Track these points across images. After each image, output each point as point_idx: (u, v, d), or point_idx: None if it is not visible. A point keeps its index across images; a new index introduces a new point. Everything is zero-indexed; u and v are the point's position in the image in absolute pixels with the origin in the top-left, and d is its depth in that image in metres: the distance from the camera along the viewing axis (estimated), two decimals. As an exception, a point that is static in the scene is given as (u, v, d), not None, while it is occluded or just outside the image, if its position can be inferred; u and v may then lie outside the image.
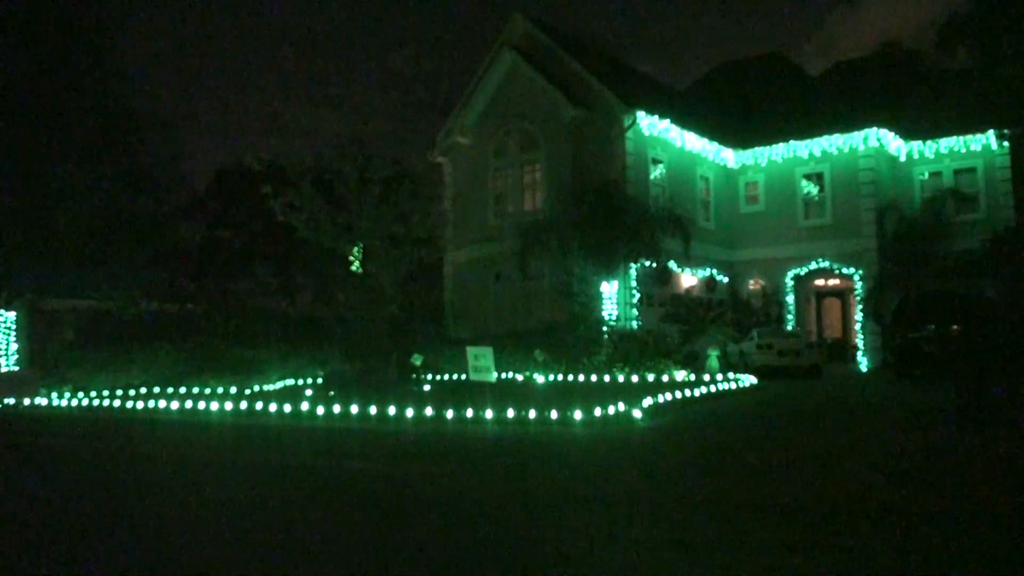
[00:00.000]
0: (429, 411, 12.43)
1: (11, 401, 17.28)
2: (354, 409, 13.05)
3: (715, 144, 26.96)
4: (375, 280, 17.82)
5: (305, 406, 13.71)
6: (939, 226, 25.07)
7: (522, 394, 15.05)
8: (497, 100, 26.24)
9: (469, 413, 12.02)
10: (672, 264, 24.11)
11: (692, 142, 26.05)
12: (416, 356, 17.41)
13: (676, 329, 22.97)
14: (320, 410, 13.32)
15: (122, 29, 23.58)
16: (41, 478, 8.38)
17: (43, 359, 20.42)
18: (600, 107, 24.13)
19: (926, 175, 27.16)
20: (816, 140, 26.41)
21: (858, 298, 25.92)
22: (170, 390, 18.45)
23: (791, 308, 27.23)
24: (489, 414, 11.79)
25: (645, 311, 23.63)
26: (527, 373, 20.09)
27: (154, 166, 23.69)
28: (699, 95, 32.03)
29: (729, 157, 27.86)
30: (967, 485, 6.70)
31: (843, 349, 27.36)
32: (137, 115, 23.34)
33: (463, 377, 17.10)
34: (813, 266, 26.72)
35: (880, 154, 26.14)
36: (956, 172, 26.49)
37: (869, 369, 24.78)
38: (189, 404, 14.94)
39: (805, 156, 26.78)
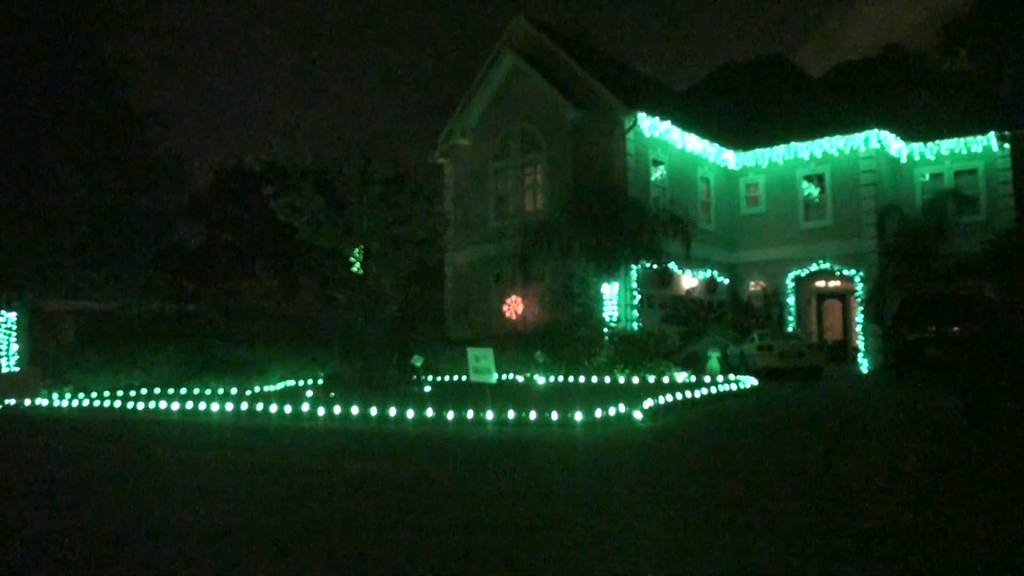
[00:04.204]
0: (429, 412, 12.42)
1: (12, 402, 17.27)
2: (354, 410, 13.04)
3: (716, 145, 26.97)
4: (376, 281, 17.80)
5: (305, 407, 13.70)
6: (940, 228, 25.06)
7: (523, 395, 15.04)
8: (498, 101, 26.25)
9: (470, 414, 12.01)
10: (673, 266, 24.11)
11: (693, 143, 26.06)
12: (416, 357, 17.41)
13: (677, 330, 22.96)
14: (320, 411, 13.31)
15: (123, 29, 23.58)
16: (41, 479, 8.38)
17: (43, 360, 20.41)
18: (601, 108, 24.14)
19: (927, 177, 27.17)
20: (817, 142, 26.42)
21: (859, 300, 25.93)
22: (171, 391, 18.44)
23: (792, 310, 27.23)
24: (490, 415, 11.78)
25: (646, 312, 23.63)
26: (528, 374, 20.08)
27: (155, 166, 23.71)
28: (700, 96, 32.03)
29: (730, 158, 27.86)
30: (969, 487, 6.68)
31: (844, 351, 27.35)
32: (138, 115, 23.37)
33: (463, 378, 17.10)
34: (814, 268, 26.72)
35: (881, 155, 26.14)
36: (957, 174, 26.50)
37: (870, 371, 24.77)
38: (190, 405, 14.93)
39: (806, 157, 26.79)
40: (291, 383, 20.67)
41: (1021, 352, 11.49)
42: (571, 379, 19.25)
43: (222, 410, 14.15)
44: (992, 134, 24.51)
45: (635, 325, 22.80)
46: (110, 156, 21.48)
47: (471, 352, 13.70)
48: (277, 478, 8.02)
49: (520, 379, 19.96)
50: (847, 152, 26.03)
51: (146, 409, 15.20)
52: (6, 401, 17.32)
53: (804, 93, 29.90)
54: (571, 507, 6.21)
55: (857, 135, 25.75)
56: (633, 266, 22.91)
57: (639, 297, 23.46)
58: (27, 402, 17.20)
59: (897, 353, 20.45)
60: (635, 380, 18.36)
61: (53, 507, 6.76)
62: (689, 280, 25.72)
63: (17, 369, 19.53)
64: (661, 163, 25.23)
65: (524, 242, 22.75)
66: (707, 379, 18.48)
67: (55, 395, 17.84)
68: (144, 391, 18.54)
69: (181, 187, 28.79)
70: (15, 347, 19.79)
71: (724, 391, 16.53)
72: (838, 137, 26.08)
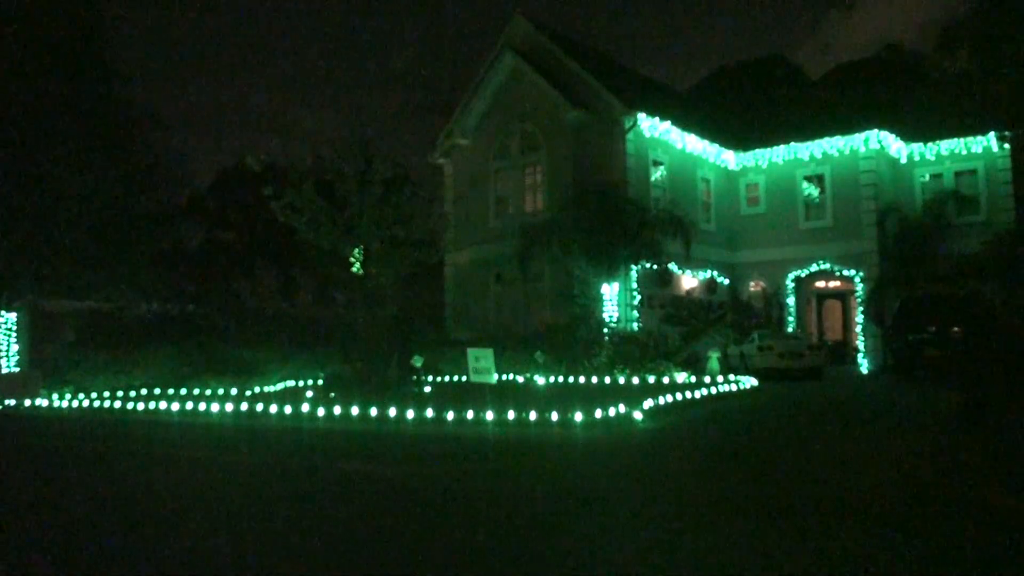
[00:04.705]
0: (429, 412, 12.43)
1: (12, 402, 17.27)
2: (354, 410, 13.05)
3: (716, 146, 26.97)
4: (376, 281, 17.81)
5: (305, 407, 13.70)
6: (940, 228, 25.06)
7: (523, 396, 15.05)
8: (498, 102, 26.26)
9: (469, 415, 12.02)
10: (673, 266, 24.11)
11: (693, 144, 26.06)
12: (416, 357, 17.38)
13: (677, 331, 22.96)
14: (320, 411, 13.32)
15: (123, 29, 23.55)
16: (41, 478, 8.38)
17: (43, 360, 20.40)
18: (601, 109, 24.14)
19: (927, 177, 27.16)
20: (817, 142, 26.43)
21: (859, 300, 25.92)
22: (171, 391, 18.44)
23: (792, 310, 27.23)
24: (489, 416, 11.78)
25: (646, 313, 23.63)
26: (528, 375, 20.08)
27: (155, 167, 23.68)
28: (700, 97, 32.06)
29: (730, 159, 27.87)
30: (968, 486, 6.69)
31: (844, 351, 27.35)
32: (138, 115, 23.34)
33: (463, 378, 17.09)
34: (814, 268, 26.72)
35: (881, 156, 26.14)
36: (957, 174, 26.49)
37: (870, 371, 24.76)
38: (190, 405, 14.94)
39: (806, 158, 26.79)
40: (291, 383, 20.67)
41: (1020, 352, 11.49)
42: (571, 379, 19.25)
43: (222, 411, 14.16)
44: (992, 134, 24.47)
45: (635, 325, 22.80)
46: (110, 156, 21.45)
47: (471, 352, 13.69)
48: (276, 479, 8.02)
49: (520, 379, 19.95)
50: (847, 152, 26.04)
51: (146, 409, 15.20)
52: (6, 401, 17.31)
53: (804, 93, 29.90)
54: (571, 507, 6.21)
55: (857, 135, 25.75)
56: (633, 266, 22.90)
57: (639, 297, 23.46)
58: (27, 402, 17.19)
59: (897, 353, 20.43)
60: (635, 380, 18.36)
61: (52, 508, 6.76)
62: (689, 280, 25.72)
63: (17, 369, 19.53)
64: (661, 163, 25.23)
65: (524, 242, 22.74)
66: (707, 379, 18.47)
67: (55, 395, 17.84)
68: (144, 391, 18.54)
69: (181, 187, 28.76)
70: (15, 347, 19.79)
71: (724, 391, 16.54)
72: (838, 137, 26.08)
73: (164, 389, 18.81)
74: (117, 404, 16.24)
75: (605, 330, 21.47)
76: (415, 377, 18.05)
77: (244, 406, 14.31)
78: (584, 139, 24.39)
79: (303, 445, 10.73)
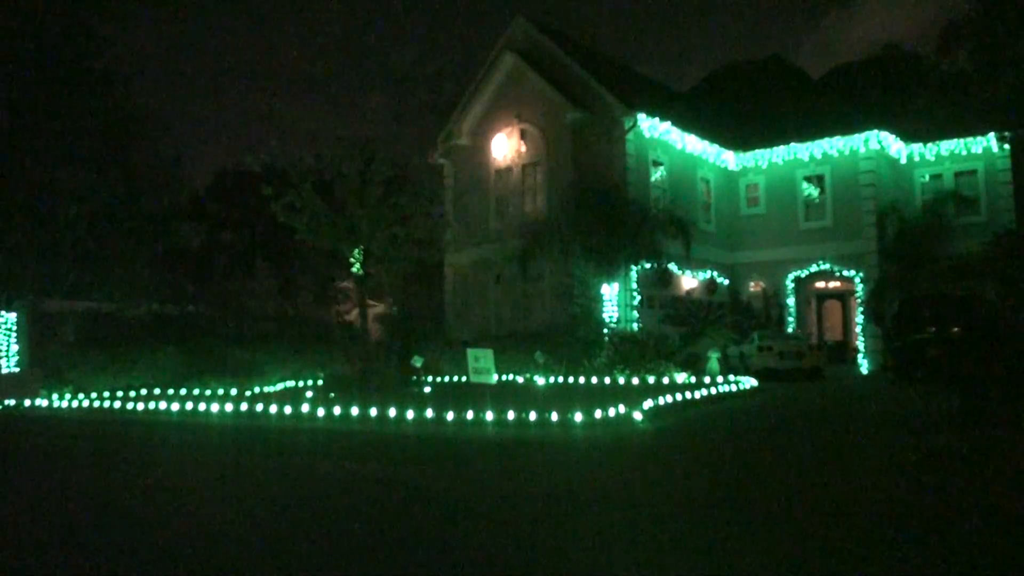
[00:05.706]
0: (429, 413, 12.42)
1: (12, 402, 17.28)
2: (354, 411, 13.05)
3: (716, 146, 26.96)
4: (376, 281, 17.80)
5: (305, 408, 13.70)
6: (940, 228, 25.07)
7: (522, 396, 15.05)
8: (498, 102, 26.25)
9: (469, 415, 12.01)
10: (673, 266, 24.11)
11: (693, 144, 26.06)
12: (416, 358, 17.39)
13: (676, 331, 22.96)
14: (320, 412, 13.32)
15: (123, 30, 23.57)
16: (41, 478, 8.38)
17: (43, 360, 20.41)
18: (601, 109, 24.14)
19: (927, 177, 27.17)
20: (817, 142, 26.43)
21: (859, 300, 25.92)
22: (171, 391, 18.44)
23: (792, 310, 27.23)
24: (489, 416, 11.78)
25: (646, 313, 23.63)
26: (527, 375, 20.08)
27: (155, 167, 23.71)
28: (700, 97, 32.04)
29: (730, 159, 27.86)
30: (968, 487, 6.69)
31: (844, 351, 27.35)
32: (138, 116, 23.38)
33: (463, 379, 17.10)
34: (814, 268, 26.73)
35: (881, 156, 26.14)
36: (957, 174, 26.51)
37: (870, 371, 24.77)
38: (189, 405, 14.93)
39: (806, 158, 26.79)
40: (291, 384, 20.67)
41: (1020, 352, 11.49)
42: (571, 380, 19.23)
43: (222, 411, 14.16)
44: (992, 135, 24.48)
45: (635, 326, 22.79)
46: (110, 157, 21.48)
47: (471, 353, 13.71)
48: (276, 479, 8.02)
49: (520, 379, 19.94)
50: (847, 153, 26.04)
51: (146, 409, 15.20)
52: (6, 401, 17.32)
53: (804, 94, 29.88)
54: (571, 507, 6.21)
55: (857, 136, 25.75)
56: (633, 267, 22.91)
57: (639, 298, 23.46)
58: (27, 402, 17.20)
59: (897, 354, 20.40)
60: (635, 381, 18.35)
61: (51, 508, 6.76)
62: (689, 281, 25.72)
63: (17, 369, 19.53)
64: (661, 164, 25.23)
65: (524, 243, 22.74)
66: (707, 380, 18.46)
67: (55, 395, 17.84)
68: (144, 391, 18.54)
69: (181, 188, 28.79)
70: (15, 347, 19.79)
71: (724, 392, 16.53)
72: (838, 138, 26.08)
73: (164, 389, 18.82)
74: (117, 404, 16.24)
75: (605, 330, 21.46)
76: (415, 377, 18.05)
77: (244, 406, 14.31)
78: (584, 139, 24.38)
79: (303, 445, 10.73)
